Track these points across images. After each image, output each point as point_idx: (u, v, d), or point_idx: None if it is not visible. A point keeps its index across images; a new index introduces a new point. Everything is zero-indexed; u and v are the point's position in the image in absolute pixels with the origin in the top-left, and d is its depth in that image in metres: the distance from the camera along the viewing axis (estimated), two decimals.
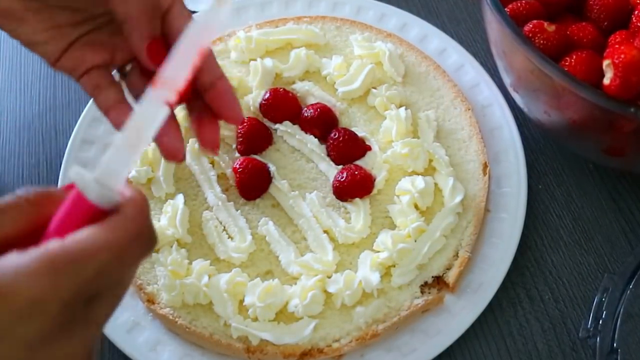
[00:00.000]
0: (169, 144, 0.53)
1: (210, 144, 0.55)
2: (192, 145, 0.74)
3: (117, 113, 0.57)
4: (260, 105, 0.76)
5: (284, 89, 0.76)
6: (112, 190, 0.38)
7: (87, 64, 0.55)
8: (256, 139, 0.74)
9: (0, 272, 0.33)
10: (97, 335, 0.38)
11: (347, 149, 0.72)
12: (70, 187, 0.39)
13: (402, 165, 0.72)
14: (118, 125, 0.57)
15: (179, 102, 0.51)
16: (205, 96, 0.54)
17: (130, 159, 0.38)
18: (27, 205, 0.38)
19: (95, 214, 0.38)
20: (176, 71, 0.38)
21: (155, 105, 0.38)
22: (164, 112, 0.38)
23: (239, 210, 0.71)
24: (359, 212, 0.69)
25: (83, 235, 0.36)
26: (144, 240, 0.39)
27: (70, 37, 0.54)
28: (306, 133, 0.75)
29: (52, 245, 0.35)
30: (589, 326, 0.60)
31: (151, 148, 0.74)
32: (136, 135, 0.38)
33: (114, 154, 0.38)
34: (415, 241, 0.67)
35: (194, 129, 0.55)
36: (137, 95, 0.56)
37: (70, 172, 0.38)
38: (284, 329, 0.63)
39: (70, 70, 0.56)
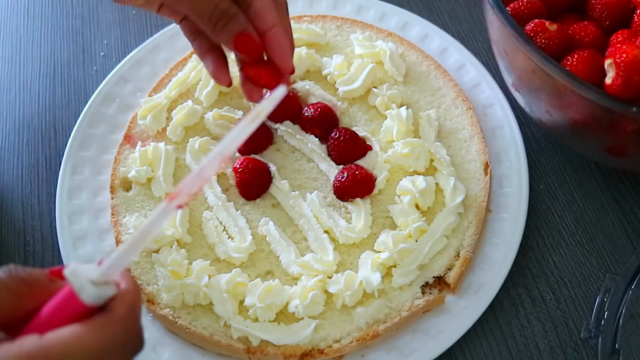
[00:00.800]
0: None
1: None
2: (192, 145, 0.74)
3: (212, 58, 0.64)
4: None
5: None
6: (108, 284, 0.38)
7: (182, 14, 0.61)
8: (256, 138, 0.74)
9: None
10: None
11: (348, 148, 0.72)
12: (57, 272, 0.39)
13: (403, 165, 0.72)
14: (212, 70, 0.65)
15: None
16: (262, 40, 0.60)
17: (133, 255, 0.39)
18: (7, 294, 0.37)
19: (85, 310, 0.37)
20: (194, 183, 0.39)
21: (167, 214, 0.39)
22: (174, 214, 0.38)
23: (239, 210, 0.70)
24: (359, 212, 0.69)
25: (64, 334, 0.35)
26: (129, 345, 0.38)
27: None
28: (307, 133, 0.74)
29: (28, 342, 0.34)
30: (590, 327, 0.60)
31: (151, 148, 0.73)
32: (144, 237, 0.39)
33: (120, 253, 0.38)
34: (417, 241, 0.67)
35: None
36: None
37: (66, 271, 0.38)
38: (284, 330, 0.63)
39: (169, 17, 0.63)
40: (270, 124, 0.76)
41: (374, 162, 0.72)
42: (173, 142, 0.75)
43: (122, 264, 0.38)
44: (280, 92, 0.39)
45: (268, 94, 0.40)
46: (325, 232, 0.68)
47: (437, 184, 0.71)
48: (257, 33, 0.59)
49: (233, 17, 0.57)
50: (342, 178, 0.70)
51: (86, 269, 0.38)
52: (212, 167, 0.38)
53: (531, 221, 0.72)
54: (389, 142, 0.74)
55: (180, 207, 0.38)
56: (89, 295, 0.37)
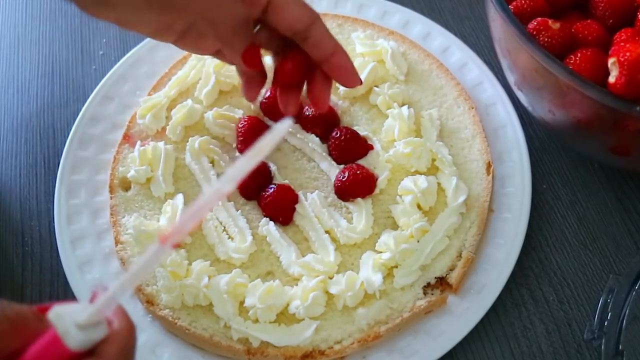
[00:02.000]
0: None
1: (320, 104, 0.65)
2: (191, 144, 0.73)
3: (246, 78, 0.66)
4: (261, 103, 0.76)
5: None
6: (99, 324, 0.36)
7: (205, 51, 0.63)
8: (257, 137, 0.72)
9: None
10: None
11: (349, 148, 0.72)
12: (45, 310, 0.37)
13: (405, 165, 0.71)
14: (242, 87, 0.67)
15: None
16: (321, 67, 0.62)
17: (125, 294, 0.37)
18: None
19: (72, 355, 0.35)
20: (190, 222, 0.36)
21: (161, 255, 0.37)
22: (167, 254, 0.37)
23: (239, 210, 0.70)
24: (361, 212, 0.68)
25: None
26: None
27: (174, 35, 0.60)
28: (307, 132, 0.74)
29: None
30: (594, 328, 0.59)
31: (150, 147, 0.73)
32: (136, 279, 0.37)
33: (111, 295, 0.36)
34: (418, 242, 0.66)
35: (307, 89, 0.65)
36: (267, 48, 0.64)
37: (50, 314, 0.36)
38: (285, 331, 0.63)
39: (194, 50, 0.65)
40: (270, 123, 0.75)
41: (375, 162, 0.72)
42: (172, 142, 0.75)
43: (113, 304, 0.36)
44: (285, 126, 0.38)
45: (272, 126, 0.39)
46: (326, 232, 0.68)
47: (439, 184, 0.70)
48: (318, 60, 0.61)
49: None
50: (343, 178, 0.69)
51: (73, 310, 0.36)
52: (209, 206, 0.37)
53: (534, 221, 0.71)
54: (390, 141, 0.73)
55: (176, 246, 0.36)
56: (75, 340, 0.35)
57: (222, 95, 0.78)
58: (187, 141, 0.74)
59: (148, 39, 0.84)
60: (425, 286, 0.66)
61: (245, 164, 0.37)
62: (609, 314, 0.59)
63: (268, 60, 0.68)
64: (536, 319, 0.66)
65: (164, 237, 0.36)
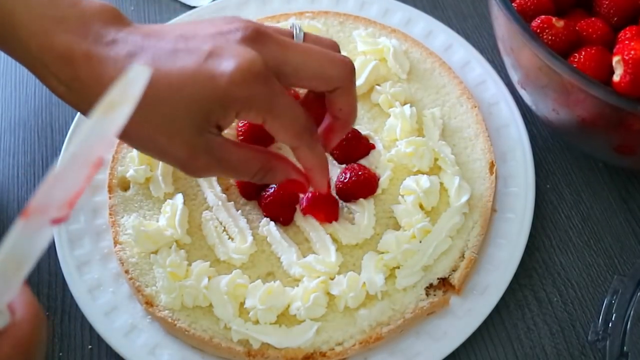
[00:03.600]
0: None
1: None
2: None
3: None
4: None
5: (285, 86, 0.75)
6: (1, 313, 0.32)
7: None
8: (257, 137, 0.72)
9: None
10: None
11: (350, 147, 0.71)
12: None
13: (407, 164, 0.70)
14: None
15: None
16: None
17: (15, 282, 0.32)
18: None
19: None
20: (56, 193, 0.32)
21: (32, 235, 0.32)
22: (49, 233, 0.33)
23: (240, 210, 0.69)
24: (362, 213, 0.68)
25: None
26: None
27: None
28: None
29: None
30: (598, 329, 0.59)
31: None
32: (16, 264, 0.32)
33: None
34: (420, 242, 0.66)
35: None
36: None
37: None
38: (285, 332, 0.62)
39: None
40: None
41: (377, 161, 0.71)
42: None
43: (6, 291, 0.32)
44: (139, 71, 0.32)
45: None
46: (328, 232, 0.67)
47: (441, 184, 0.70)
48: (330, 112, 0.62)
49: (271, 170, 0.61)
50: (344, 179, 0.68)
51: None
52: (75, 175, 0.33)
53: (537, 221, 0.70)
54: (392, 140, 0.73)
55: (58, 221, 0.31)
56: None
57: None
58: None
59: None
60: (427, 287, 0.65)
61: (95, 125, 0.32)
62: (614, 315, 0.59)
63: None
64: (540, 320, 0.66)
65: (26, 211, 0.31)
